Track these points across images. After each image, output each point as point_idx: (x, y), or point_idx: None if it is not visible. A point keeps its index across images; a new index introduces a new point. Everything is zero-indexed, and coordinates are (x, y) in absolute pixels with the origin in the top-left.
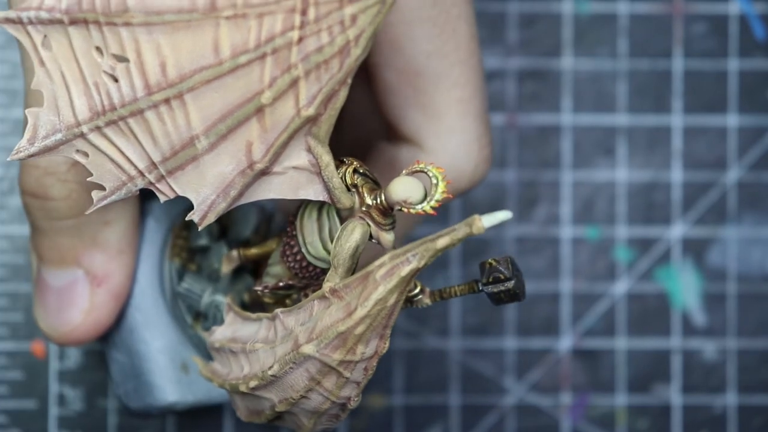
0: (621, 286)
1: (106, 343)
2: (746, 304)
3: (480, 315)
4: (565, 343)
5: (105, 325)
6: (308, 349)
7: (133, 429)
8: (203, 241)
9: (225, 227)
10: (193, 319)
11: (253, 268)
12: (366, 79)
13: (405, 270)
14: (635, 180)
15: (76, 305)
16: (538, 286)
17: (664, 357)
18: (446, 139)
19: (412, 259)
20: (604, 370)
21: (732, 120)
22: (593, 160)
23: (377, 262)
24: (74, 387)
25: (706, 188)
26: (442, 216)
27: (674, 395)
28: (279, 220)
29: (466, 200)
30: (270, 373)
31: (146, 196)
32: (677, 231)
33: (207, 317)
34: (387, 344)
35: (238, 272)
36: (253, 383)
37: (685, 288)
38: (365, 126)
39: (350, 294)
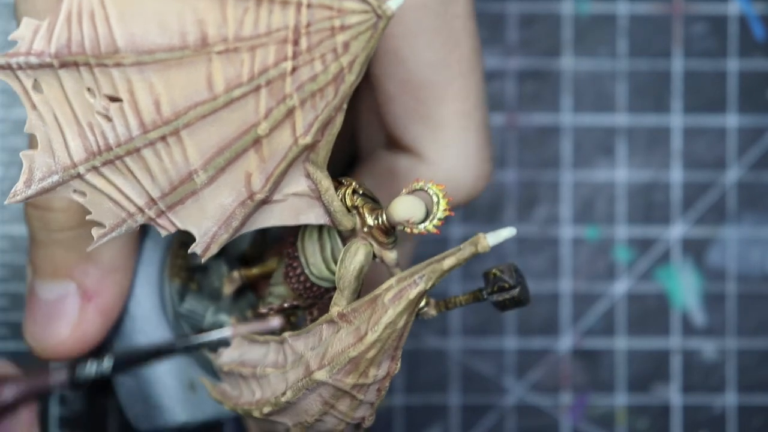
0: (621, 286)
1: None
2: (746, 304)
3: (480, 315)
4: (565, 343)
5: (92, 341)
6: (321, 375)
7: (133, 429)
8: (201, 259)
9: None
10: None
11: (253, 284)
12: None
13: (413, 293)
14: (635, 180)
15: (65, 319)
16: (538, 286)
17: (664, 357)
18: (446, 151)
19: (419, 281)
20: (604, 370)
21: (732, 120)
22: (593, 160)
23: (384, 286)
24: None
25: (705, 188)
26: None
27: (674, 395)
28: (274, 230)
29: None
30: (284, 399)
31: None
32: (677, 231)
33: None
34: (398, 365)
35: (239, 290)
36: (266, 409)
37: (684, 288)
38: (372, 134)
39: (359, 318)
